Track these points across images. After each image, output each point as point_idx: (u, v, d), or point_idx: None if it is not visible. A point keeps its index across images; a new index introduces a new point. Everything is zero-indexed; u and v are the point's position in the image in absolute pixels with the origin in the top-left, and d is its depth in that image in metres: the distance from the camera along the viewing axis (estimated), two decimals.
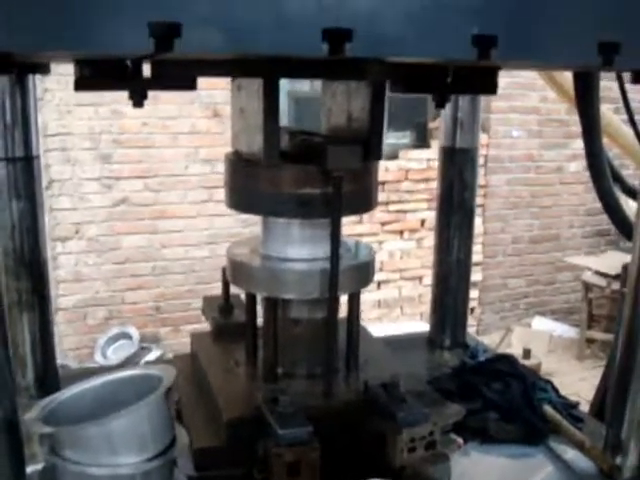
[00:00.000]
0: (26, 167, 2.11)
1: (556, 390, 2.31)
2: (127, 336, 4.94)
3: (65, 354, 4.75)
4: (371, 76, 1.78)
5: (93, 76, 1.74)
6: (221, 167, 5.04)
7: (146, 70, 1.86)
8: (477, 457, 2.02)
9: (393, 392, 1.77)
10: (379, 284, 5.74)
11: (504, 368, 2.37)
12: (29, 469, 1.44)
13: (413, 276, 5.79)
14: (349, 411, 1.82)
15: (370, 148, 1.85)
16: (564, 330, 6.19)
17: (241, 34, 1.09)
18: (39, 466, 1.45)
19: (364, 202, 1.91)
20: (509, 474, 2.00)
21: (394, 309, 5.70)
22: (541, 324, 6.20)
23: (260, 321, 2.05)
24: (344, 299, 1.97)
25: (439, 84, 1.97)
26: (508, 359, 2.43)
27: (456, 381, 2.36)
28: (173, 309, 5.03)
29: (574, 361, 5.88)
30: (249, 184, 1.87)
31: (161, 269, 5.01)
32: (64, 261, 4.79)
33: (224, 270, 2.31)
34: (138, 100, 1.86)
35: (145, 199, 4.89)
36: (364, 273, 1.96)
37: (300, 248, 1.90)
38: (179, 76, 1.69)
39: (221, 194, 5.25)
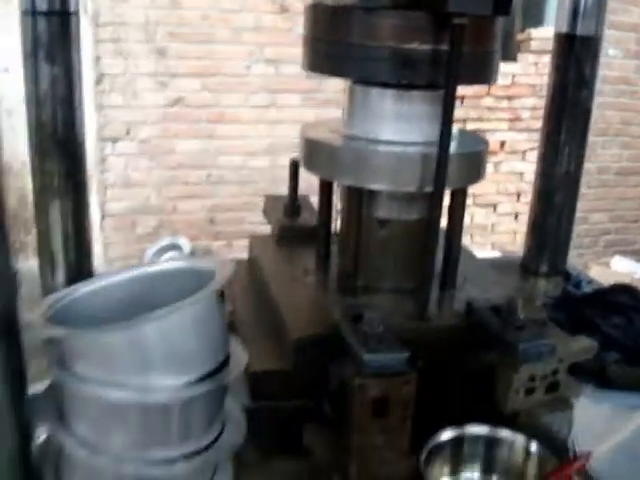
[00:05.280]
0: (61, 24, 1.73)
1: None
2: (178, 248, 4.60)
3: (111, 263, 4.47)
4: None
5: None
6: (287, 69, 4.61)
7: None
8: (589, 406, 1.64)
9: (509, 318, 1.36)
10: None
11: (625, 301, 1.96)
12: (33, 388, 1.09)
13: (487, 203, 5.34)
14: (449, 337, 1.43)
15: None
16: None
17: None
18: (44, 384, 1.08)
19: (486, 68, 1.47)
20: (628, 430, 1.61)
21: (464, 236, 5.25)
22: (621, 265, 5.69)
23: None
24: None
25: None
26: (629, 290, 2.00)
27: (564, 312, 1.96)
28: (227, 222, 4.68)
29: None
30: (336, 37, 1.43)
31: (217, 178, 4.63)
32: (113, 163, 4.46)
33: (293, 163, 1.92)
34: None
35: (202, 100, 4.49)
36: (475, 164, 1.53)
37: (397, 127, 1.48)
38: None
39: (285, 99, 4.81)
